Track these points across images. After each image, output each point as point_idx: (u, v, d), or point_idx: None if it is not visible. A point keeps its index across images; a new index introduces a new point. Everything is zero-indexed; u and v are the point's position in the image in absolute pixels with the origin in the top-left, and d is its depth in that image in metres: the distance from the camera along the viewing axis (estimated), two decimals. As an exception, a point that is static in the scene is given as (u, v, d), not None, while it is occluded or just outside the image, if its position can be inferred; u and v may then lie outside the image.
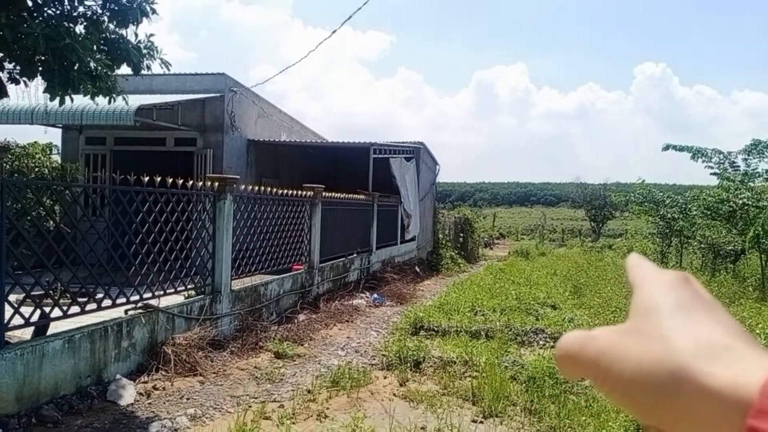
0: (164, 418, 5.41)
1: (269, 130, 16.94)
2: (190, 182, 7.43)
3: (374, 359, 7.87)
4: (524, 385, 6.59)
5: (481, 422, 5.65)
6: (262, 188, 9.29)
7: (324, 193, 12.06)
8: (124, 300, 6.34)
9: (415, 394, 6.27)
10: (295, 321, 9.75)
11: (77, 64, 5.08)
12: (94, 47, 5.22)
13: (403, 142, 19.36)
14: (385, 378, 6.95)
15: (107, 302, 6.08)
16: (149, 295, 6.73)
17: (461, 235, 25.54)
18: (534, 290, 12.95)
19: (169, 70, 6.39)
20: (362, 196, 15.18)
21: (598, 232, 47.80)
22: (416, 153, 19.90)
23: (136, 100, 11.02)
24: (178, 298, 7.40)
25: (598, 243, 37.15)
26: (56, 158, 15.01)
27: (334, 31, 13.66)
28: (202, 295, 7.80)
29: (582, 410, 5.74)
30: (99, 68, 5.45)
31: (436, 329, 9.06)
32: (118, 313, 6.34)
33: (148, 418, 5.42)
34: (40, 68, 5.14)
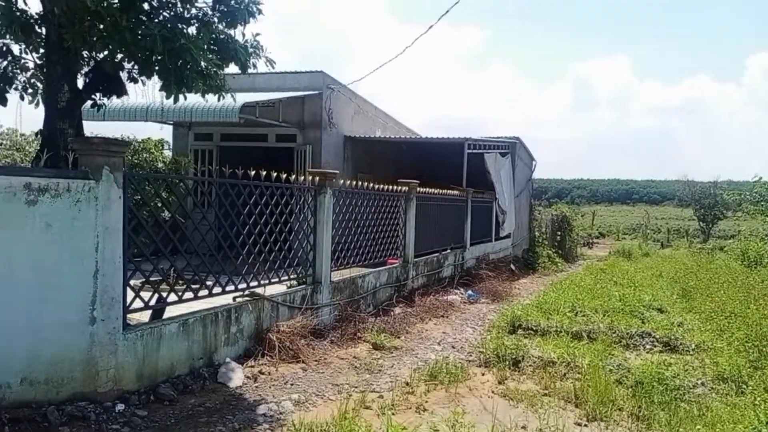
0: (270, 402, 5.61)
1: (365, 126, 17.18)
2: (293, 177, 7.66)
3: (471, 355, 7.81)
4: (631, 389, 6.31)
5: (585, 425, 5.46)
6: (359, 183, 9.43)
7: (418, 189, 12.07)
8: (232, 288, 6.63)
9: (514, 392, 6.15)
10: (391, 314, 9.84)
11: (190, 64, 5.36)
12: (205, 47, 5.47)
13: (498, 137, 19.05)
14: (483, 375, 6.87)
15: (217, 289, 6.38)
16: (255, 283, 7.00)
17: (559, 233, 24.81)
18: (638, 292, 12.36)
19: (273, 68, 6.60)
20: (456, 192, 15.06)
21: (707, 233, 45.01)
22: (512, 148, 19.52)
23: (240, 98, 11.47)
24: (281, 288, 7.65)
25: (708, 244, 34.95)
26: (167, 153, 15.95)
27: (430, 26, 13.64)
28: (304, 286, 8.03)
29: (695, 419, 5.42)
30: (209, 67, 5.72)
31: (534, 328, 8.85)
32: (226, 300, 6.64)
33: (256, 400, 5.64)
34: (157, 68, 5.46)
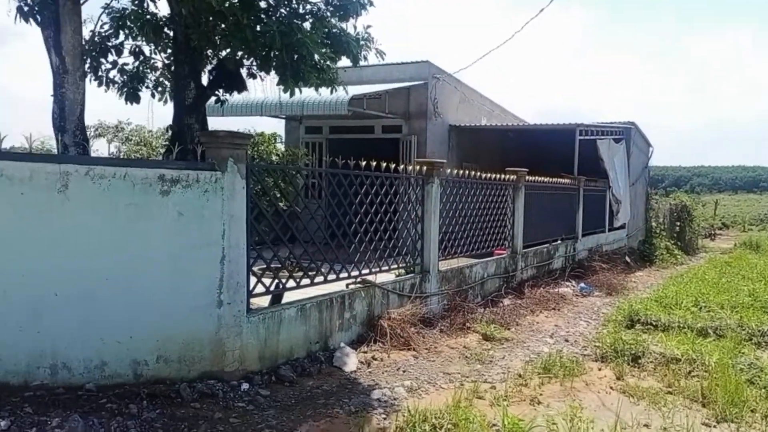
0: (384, 387, 5.72)
1: (470, 114, 16.98)
2: (401, 167, 7.72)
3: (586, 350, 7.55)
4: (764, 390, 5.85)
5: (714, 426, 5.13)
6: (466, 172, 9.34)
7: (527, 177, 11.79)
8: (345, 275, 6.81)
9: (634, 389, 5.88)
10: (500, 305, 9.71)
11: (306, 58, 5.53)
12: (319, 41, 5.62)
13: (611, 123, 18.18)
14: (599, 370, 6.62)
15: (332, 276, 6.58)
16: (366, 271, 7.14)
17: (678, 223, 23.33)
18: (771, 286, 11.40)
19: (383, 59, 6.68)
20: (567, 180, 14.55)
21: None
22: (626, 134, 18.55)
23: (349, 91, 11.72)
24: (389, 276, 7.75)
25: None
26: (280, 146, 16.61)
27: (541, 10, 13.24)
28: (412, 274, 8.09)
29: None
30: (323, 61, 5.87)
31: (654, 323, 8.40)
32: (339, 286, 6.83)
33: (370, 385, 5.77)
34: (274, 63, 5.68)
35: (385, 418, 5.05)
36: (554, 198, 13.61)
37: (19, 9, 5.48)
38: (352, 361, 6.20)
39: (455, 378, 6.23)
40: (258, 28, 5.41)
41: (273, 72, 6.23)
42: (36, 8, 5.41)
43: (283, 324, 5.82)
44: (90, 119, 19.43)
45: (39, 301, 4.70)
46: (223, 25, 5.60)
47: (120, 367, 4.93)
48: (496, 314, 8.92)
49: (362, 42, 6.31)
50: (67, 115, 5.47)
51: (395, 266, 7.85)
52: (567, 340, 8.07)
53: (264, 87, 7.14)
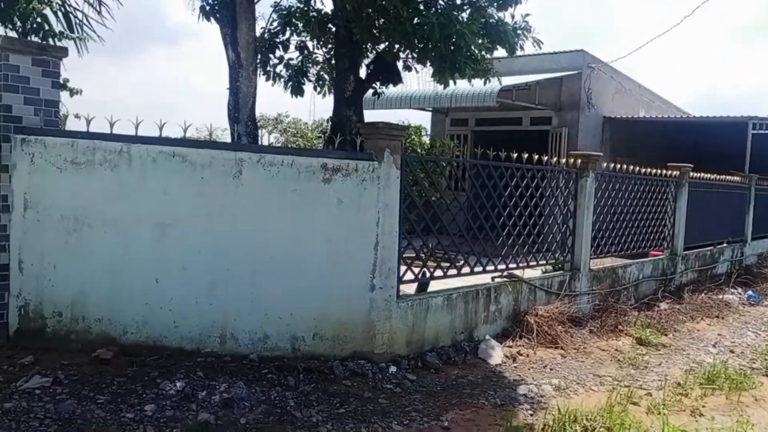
0: (530, 383, 5.62)
1: (626, 106, 16.04)
2: (554, 159, 7.49)
3: (755, 363, 6.89)
4: None
5: None
6: (623, 166, 8.85)
7: (691, 173, 10.91)
8: (492, 268, 6.77)
9: (817, 410, 5.28)
10: (656, 309, 9.12)
11: (464, 49, 5.54)
12: (477, 32, 5.59)
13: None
14: (772, 385, 6.02)
15: (479, 268, 6.57)
16: (512, 265, 7.04)
17: None
18: None
19: (540, 48, 6.52)
20: (736, 178, 13.27)
21: None
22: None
23: (497, 82, 11.57)
24: (535, 272, 7.57)
25: None
26: (425, 139, 16.80)
27: (712, -8, 12.13)
28: (561, 272, 7.85)
29: None
30: (477, 52, 5.84)
31: (839, 339, 7.47)
32: (484, 279, 6.80)
33: (515, 380, 5.70)
34: (432, 55, 5.75)
35: (531, 415, 4.97)
36: (720, 197, 12.48)
37: (202, 8, 6.05)
38: (497, 354, 6.15)
39: (606, 381, 5.97)
40: (417, 20, 5.51)
41: (428, 64, 6.30)
42: (216, 7, 5.93)
43: (430, 312, 5.91)
44: (275, 109, 21.00)
45: (213, 277, 5.19)
46: (383, 19, 5.77)
47: (280, 341, 5.30)
48: (652, 318, 8.40)
49: (519, 31, 6.19)
50: (241, 106, 5.95)
51: (543, 262, 7.65)
52: (732, 351, 7.41)
53: (418, 79, 7.26)
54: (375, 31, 5.86)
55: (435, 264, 6.11)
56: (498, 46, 6.20)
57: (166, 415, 4.30)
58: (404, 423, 4.59)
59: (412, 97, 13.31)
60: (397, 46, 6.02)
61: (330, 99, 6.91)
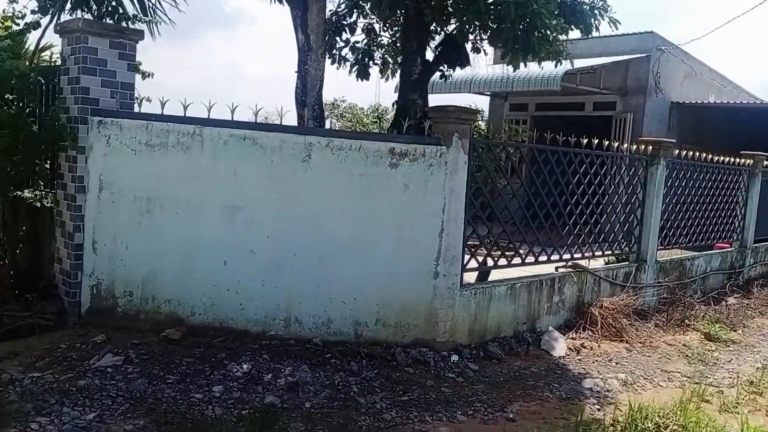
0: (596, 377, 5.48)
1: (696, 90, 15.34)
2: (625, 145, 7.23)
3: (838, 363, 6.54)
4: None
5: None
6: (695, 154, 8.48)
7: (765, 162, 10.39)
8: (556, 257, 6.61)
9: None
10: (723, 303, 8.77)
11: (538, 30, 5.36)
12: (553, 11, 5.38)
13: None
14: None
15: (543, 257, 6.42)
16: (577, 255, 6.86)
17: None
18: None
19: (617, 28, 6.26)
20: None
21: None
22: None
23: (562, 65, 11.24)
24: (597, 263, 7.35)
25: None
26: (481, 124, 16.52)
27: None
28: (627, 263, 7.61)
29: None
30: (552, 33, 5.63)
31: None
32: (547, 269, 6.65)
33: (580, 373, 5.57)
34: (505, 35, 5.57)
35: (599, 409, 4.85)
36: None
37: (273, -10, 6.05)
38: (560, 346, 6.02)
39: (675, 377, 5.78)
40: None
41: (499, 45, 6.08)
42: (287, -11, 5.90)
43: (493, 301, 5.82)
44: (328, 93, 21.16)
45: (280, 260, 5.24)
46: (456, -1, 5.62)
47: (343, 326, 5.32)
48: (720, 313, 8.09)
49: (596, 11, 5.94)
50: (309, 90, 5.94)
51: (608, 252, 7.43)
52: (810, 351, 7.06)
53: (477, 62, 7.08)
54: (447, 11, 5.72)
55: (499, 252, 6.00)
56: (573, 27, 5.98)
57: (234, 396, 4.37)
58: (468, 413, 4.55)
59: (472, 80, 13.08)
60: (467, 26, 5.87)
61: (390, 84, 6.84)
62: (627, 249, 7.62)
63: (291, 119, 5.84)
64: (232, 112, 5.22)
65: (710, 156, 8.97)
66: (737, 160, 9.60)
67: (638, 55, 13.41)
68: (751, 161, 9.98)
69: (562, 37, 6.01)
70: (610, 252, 7.49)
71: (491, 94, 15.74)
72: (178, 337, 5.12)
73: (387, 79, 7.92)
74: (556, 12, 5.47)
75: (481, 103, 17.22)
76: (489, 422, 4.44)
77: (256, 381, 4.60)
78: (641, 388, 5.43)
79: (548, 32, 5.53)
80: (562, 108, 14.85)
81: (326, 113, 19.03)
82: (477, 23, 5.67)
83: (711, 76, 16.16)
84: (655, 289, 7.87)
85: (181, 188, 5.24)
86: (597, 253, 7.18)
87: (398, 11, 6.18)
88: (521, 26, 5.26)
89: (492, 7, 5.28)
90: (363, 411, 4.39)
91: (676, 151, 8.13)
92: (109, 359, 4.69)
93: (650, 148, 7.54)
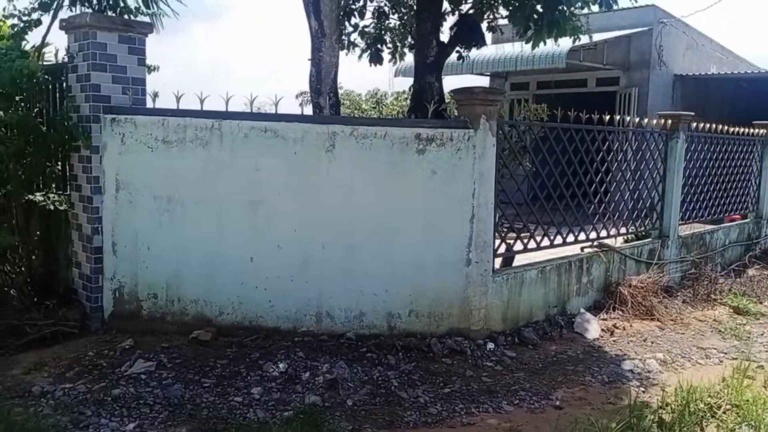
0: (634, 358, 5.38)
1: (697, 62, 15.19)
2: (641, 120, 7.08)
3: None
4: None
5: None
6: (712, 126, 8.35)
7: (776, 131, 10.26)
8: (583, 237, 6.50)
9: None
10: (744, 275, 8.69)
11: (562, 5, 5.18)
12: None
13: None
14: None
15: (570, 238, 6.30)
16: (603, 234, 6.74)
17: None
18: None
19: (636, 2, 6.05)
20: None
21: None
22: None
23: (562, 42, 11.05)
24: (616, 241, 7.21)
25: None
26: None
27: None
28: (650, 239, 7.50)
29: None
30: (574, 7, 5.45)
31: None
32: (572, 250, 6.52)
33: (617, 355, 5.47)
34: (527, 12, 5.39)
35: (643, 392, 4.75)
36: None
37: (284, -25, 5.83)
38: (593, 328, 5.92)
39: (711, 353, 5.69)
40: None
41: (514, 22, 5.89)
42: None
43: (524, 285, 5.70)
44: (304, 85, 20.84)
45: (308, 253, 5.08)
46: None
47: (376, 319, 5.18)
48: (744, 285, 8.00)
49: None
50: (323, 77, 5.76)
51: (632, 229, 7.32)
52: (840, 320, 6.99)
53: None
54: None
55: (528, 235, 5.87)
56: (590, 1, 5.81)
57: (273, 397, 4.24)
58: (514, 402, 4.43)
59: (474, 62, 12.86)
60: (486, 4, 5.69)
61: (384, 69, 6.63)
62: (650, 225, 7.51)
63: (286, 107, 5.59)
64: (251, 103, 5.05)
65: (724, 127, 8.84)
66: (751, 130, 9.48)
67: (641, 29, 13.23)
68: (765, 131, 9.86)
69: (588, 11, 5.83)
70: (634, 229, 7.39)
71: (491, 74, 15.54)
72: (209, 338, 4.98)
73: (395, 63, 7.74)
74: (579, -15, 5.32)
75: (482, 83, 17.02)
76: (536, 411, 4.33)
77: (294, 380, 4.47)
78: (681, 367, 5.34)
79: (572, 7, 5.35)
80: (565, 85, 14.67)
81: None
82: (497, 1, 5.50)
83: (712, 48, 16.01)
84: (677, 264, 7.77)
85: (202, 184, 5.07)
86: (621, 231, 7.07)
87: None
88: (544, 2, 5.08)
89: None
90: (407, 406, 4.27)
91: (694, 124, 8.00)
92: (141, 365, 4.54)
93: (669, 122, 7.40)
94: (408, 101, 17.30)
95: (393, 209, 5.10)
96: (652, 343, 5.84)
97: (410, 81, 16.70)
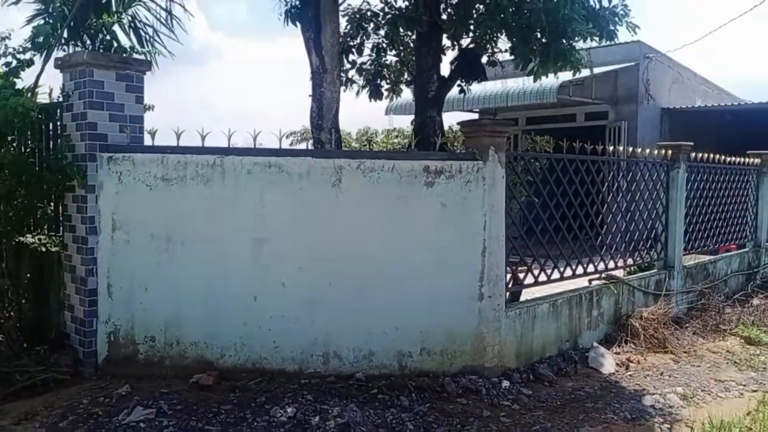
0: (653, 393, 5.19)
1: (683, 95, 15.43)
2: (647, 151, 7.06)
3: None
4: None
5: None
6: (705, 156, 8.36)
7: (769, 161, 10.33)
8: (591, 269, 6.37)
9: None
10: (749, 305, 8.58)
11: (567, 37, 5.14)
12: (581, 18, 5.17)
13: None
14: None
15: (580, 270, 6.17)
16: (609, 265, 6.62)
17: None
18: None
19: (636, 33, 6.10)
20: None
21: None
22: None
23: (564, 75, 11.13)
24: (620, 272, 7.10)
25: None
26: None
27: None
28: (655, 270, 7.40)
29: None
30: (580, 39, 5.42)
31: None
32: (575, 283, 6.33)
33: (636, 390, 5.28)
34: (532, 45, 5.35)
35: (669, 428, 4.56)
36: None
37: (287, 12, 5.79)
38: (608, 363, 5.74)
39: (730, 386, 5.51)
40: (514, 8, 5.12)
41: (514, 56, 5.84)
42: (299, 9, 5.64)
43: (537, 320, 5.54)
44: (295, 125, 20.76)
45: (314, 292, 4.89)
46: (481, 6, 5.38)
47: (386, 358, 4.97)
48: (751, 315, 7.88)
49: (616, 18, 5.77)
50: (324, 113, 5.66)
51: (639, 260, 7.21)
52: None
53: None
54: (467, 23, 5.48)
55: (538, 268, 5.73)
56: (595, 34, 5.78)
57: (283, 444, 4.00)
58: (537, 443, 4.22)
59: (465, 99, 12.88)
60: (487, 38, 5.66)
61: (373, 107, 6.57)
62: (655, 255, 7.41)
63: (264, 142, 5.42)
64: (254, 138, 4.92)
65: (720, 157, 8.87)
66: (745, 159, 9.53)
67: (628, 64, 13.43)
68: (759, 160, 9.92)
69: (594, 43, 5.81)
70: (640, 260, 7.28)
71: (480, 110, 15.63)
72: (211, 383, 4.73)
73: (392, 99, 7.71)
74: (582, 18, 5.28)
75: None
76: (562, 452, 4.12)
77: (304, 425, 4.22)
78: (702, 401, 5.16)
79: (576, 39, 5.32)
80: (554, 120, 14.79)
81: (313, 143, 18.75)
82: (500, 34, 5.46)
83: (696, 81, 16.30)
84: (684, 295, 7.66)
85: (203, 223, 4.89)
86: (626, 262, 6.96)
87: (413, 27, 5.97)
88: (551, 34, 5.05)
89: (518, 15, 5.06)
90: (425, 451, 4.04)
91: (692, 154, 8.00)
92: (139, 413, 4.27)
93: (670, 152, 7.39)
94: (398, 139, 17.41)
95: (402, 244, 4.95)
96: (669, 376, 5.67)
97: (402, 119, 16.82)
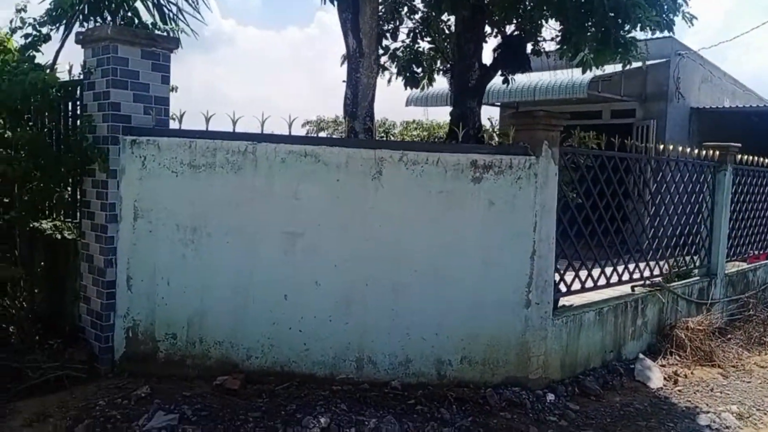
0: (707, 411, 4.84)
1: (711, 95, 14.97)
2: (688, 150, 6.66)
3: None
4: None
5: None
6: (755, 159, 7.95)
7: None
8: (637, 275, 6.02)
9: None
10: (788, 317, 8.21)
11: (630, 24, 4.75)
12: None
13: None
14: None
15: (625, 276, 5.80)
16: (647, 272, 6.25)
17: None
18: None
19: (692, 24, 5.66)
20: None
21: None
22: None
23: (579, 73, 10.71)
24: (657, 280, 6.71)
25: None
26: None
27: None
28: (697, 277, 7.01)
29: None
30: (641, 28, 4.98)
31: None
32: (622, 289, 6.00)
33: (687, 407, 4.92)
34: (589, 33, 4.95)
35: (731, 452, 4.21)
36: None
37: (324, -9, 5.42)
38: (656, 377, 5.38)
39: (788, 406, 5.16)
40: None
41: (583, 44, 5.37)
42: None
43: (583, 329, 5.18)
44: (310, 115, 20.38)
45: (349, 291, 4.55)
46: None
47: (424, 366, 4.63)
48: (794, 328, 7.51)
49: (677, 3, 5.35)
50: (360, 100, 5.30)
51: (683, 267, 6.82)
52: None
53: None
54: (519, 7, 5.10)
55: (587, 273, 5.37)
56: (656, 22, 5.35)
57: (318, 458, 3.66)
58: (592, 466, 3.88)
59: (490, 91, 12.50)
60: (537, 23, 5.27)
61: (386, 99, 6.17)
62: (699, 262, 7.03)
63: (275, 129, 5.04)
64: (290, 126, 4.56)
65: (763, 159, 8.45)
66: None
67: (658, 61, 12.97)
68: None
69: (652, 33, 5.38)
70: (676, 267, 6.88)
71: (501, 105, 15.22)
72: (237, 387, 4.39)
73: (423, 88, 7.34)
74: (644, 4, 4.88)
75: (492, 113, 16.71)
76: (620, 477, 3.77)
77: (339, 438, 3.89)
78: (759, 422, 4.81)
79: (637, 28, 4.91)
80: (578, 117, 14.29)
81: (331, 130, 18.33)
82: (552, 19, 5.08)
83: (724, 81, 15.83)
84: (725, 304, 7.28)
85: (233, 214, 4.54)
86: (665, 268, 6.58)
87: (458, 10, 5.57)
88: (612, 21, 4.65)
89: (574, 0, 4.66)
90: (472, 471, 3.70)
91: (738, 156, 7.60)
92: (161, 418, 3.94)
93: (717, 153, 6.99)
94: (417, 131, 17.01)
95: (444, 243, 4.59)
96: (721, 392, 5.31)
97: (420, 111, 16.46)
